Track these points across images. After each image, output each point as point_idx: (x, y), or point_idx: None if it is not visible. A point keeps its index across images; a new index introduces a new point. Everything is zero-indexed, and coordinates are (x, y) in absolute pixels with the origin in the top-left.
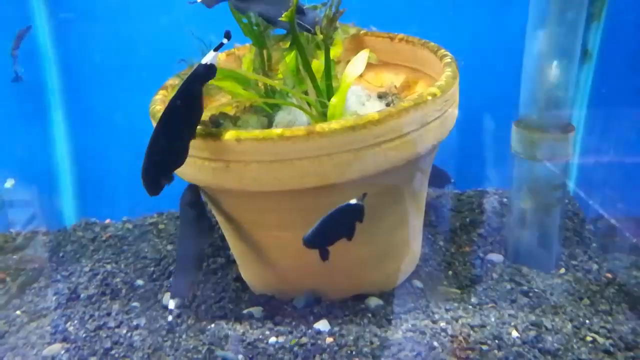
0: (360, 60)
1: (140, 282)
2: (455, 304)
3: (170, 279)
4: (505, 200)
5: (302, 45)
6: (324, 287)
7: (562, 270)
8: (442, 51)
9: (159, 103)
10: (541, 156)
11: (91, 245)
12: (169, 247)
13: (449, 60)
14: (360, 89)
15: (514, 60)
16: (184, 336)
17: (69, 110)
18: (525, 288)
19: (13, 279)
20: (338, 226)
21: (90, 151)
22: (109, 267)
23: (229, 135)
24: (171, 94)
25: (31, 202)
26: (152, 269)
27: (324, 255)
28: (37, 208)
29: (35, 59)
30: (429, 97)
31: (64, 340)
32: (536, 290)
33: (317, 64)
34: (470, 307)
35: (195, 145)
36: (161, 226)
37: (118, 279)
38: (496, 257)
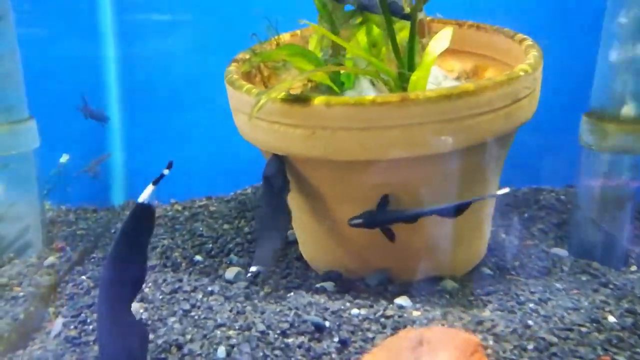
0: (444, 36)
1: (199, 257)
2: (540, 287)
3: (230, 256)
4: (562, 197)
5: (390, 18)
6: (395, 268)
7: (634, 268)
8: (520, 35)
9: (234, 73)
10: (614, 148)
11: None
12: (226, 226)
13: (530, 42)
14: (436, 68)
15: (585, 49)
16: (263, 302)
17: (124, 93)
18: (603, 280)
19: (72, 248)
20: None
21: (142, 133)
22: (165, 242)
23: (319, 100)
24: (242, 67)
25: (83, 180)
26: (210, 245)
27: (391, 237)
28: (87, 186)
29: (96, 33)
30: (522, 73)
31: (142, 300)
32: (615, 283)
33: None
34: (556, 290)
35: (281, 111)
36: (212, 208)
37: (177, 253)
38: (561, 251)
